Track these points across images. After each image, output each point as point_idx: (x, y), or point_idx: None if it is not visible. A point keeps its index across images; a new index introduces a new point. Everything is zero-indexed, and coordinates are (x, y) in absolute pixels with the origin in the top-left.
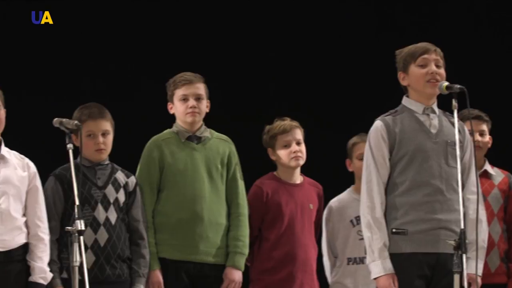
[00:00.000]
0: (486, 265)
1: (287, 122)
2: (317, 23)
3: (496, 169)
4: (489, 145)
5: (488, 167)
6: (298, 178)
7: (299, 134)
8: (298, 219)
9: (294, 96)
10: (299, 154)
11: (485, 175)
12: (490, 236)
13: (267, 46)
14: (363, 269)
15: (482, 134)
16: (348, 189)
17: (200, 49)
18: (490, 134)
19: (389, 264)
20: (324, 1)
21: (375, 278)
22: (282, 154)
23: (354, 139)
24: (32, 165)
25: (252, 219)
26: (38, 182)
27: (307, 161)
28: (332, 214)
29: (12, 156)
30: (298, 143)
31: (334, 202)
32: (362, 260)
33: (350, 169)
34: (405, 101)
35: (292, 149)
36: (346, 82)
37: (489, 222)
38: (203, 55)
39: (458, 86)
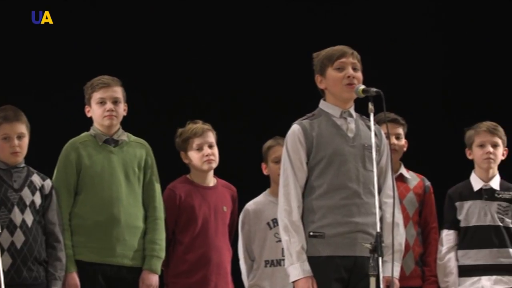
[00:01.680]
0: (401, 269)
1: (199, 125)
2: (232, 25)
3: (411, 172)
4: (405, 149)
5: (403, 170)
6: (211, 180)
7: (211, 137)
8: (212, 221)
9: (208, 98)
10: (211, 157)
11: (400, 178)
12: (405, 240)
13: (182, 48)
14: (280, 272)
15: (398, 137)
16: (264, 192)
17: (117, 52)
18: (406, 137)
19: (307, 267)
20: (244, 2)
21: (293, 281)
22: (195, 157)
23: (269, 142)
24: None
25: (166, 222)
26: None
27: (223, 164)
28: (248, 217)
29: None
30: (210, 146)
31: (250, 205)
32: (279, 263)
33: (265, 173)
34: (322, 104)
35: (204, 152)
36: (261, 84)
37: (404, 225)
38: (120, 58)
39: (375, 89)
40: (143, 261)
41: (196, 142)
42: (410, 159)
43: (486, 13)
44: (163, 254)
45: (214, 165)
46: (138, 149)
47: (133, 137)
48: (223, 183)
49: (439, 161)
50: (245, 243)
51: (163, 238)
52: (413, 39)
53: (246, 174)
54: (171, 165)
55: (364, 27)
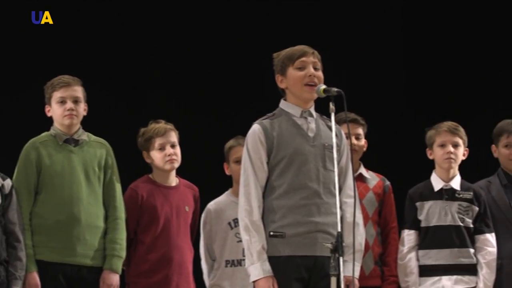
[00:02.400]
0: (360, 268)
1: (162, 124)
2: (193, 24)
3: (371, 172)
4: (365, 149)
5: (363, 170)
6: (173, 180)
7: (173, 136)
8: (174, 221)
9: (171, 98)
10: (173, 157)
11: (360, 178)
12: (365, 240)
13: (144, 47)
14: (241, 272)
15: (357, 137)
16: (226, 192)
17: (78, 51)
18: (366, 137)
19: (268, 267)
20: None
21: (254, 281)
22: (157, 157)
23: (230, 143)
24: None
25: (128, 222)
26: None
27: (185, 164)
28: (209, 216)
29: None
30: (173, 146)
31: (211, 204)
32: (240, 263)
33: (227, 173)
34: (282, 104)
35: (166, 152)
36: (223, 84)
37: (364, 225)
38: (81, 57)
39: (336, 89)
40: (103, 260)
41: (159, 141)
42: (370, 159)
43: (446, 13)
44: (123, 254)
45: (177, 164)
46: (99, 149)
47: (93, 137)
48: (185, 183)
49: (399, 161)
50: (206, 242)
51: (123, 238)
52: (374, 39)
53: (209, 174)
54: (132, 165)
55: (325, 27)
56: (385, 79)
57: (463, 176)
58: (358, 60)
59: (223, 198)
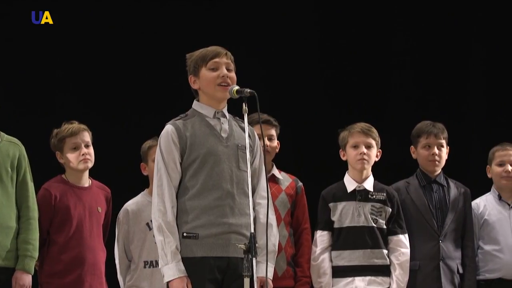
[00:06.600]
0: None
1: (75, 125)
2: (109, 26)
3: (283, 173)
4: (277, 150)
5: (275, 171)
6: (86, 181)
7: (87, 136)
8: (87, 222)
9: (84, 99)
10: (87, 156)
11: (272, 179)
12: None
13: (56, 46)
14: (159, 272)
15: (270, 138)
16: (142, 192)
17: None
18: (279, 138)
19: (182, 267)
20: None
21: (168, 281)
22: (71, 157)
23: (149, 143)
24: None
25: (41, 222)
26: None
27: (98, 164)
28: (127, 217)
29: None
30: (86, 146)
31: (129, 205)
32: (158, 263)
33: (145, 173)
34: (195, 105)
35: (80, 152)
36: (136, 84)
37: (276, 226)
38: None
39: (249, 90)
40: (16, 261)
41: (72, 141)
42: (283, 160)
43: (362, 14)
44: (36, 254)
45: (90, 164)
46: (11, 149)
47: (6, 136)
48: (97, 184)
49: (312, 162)
50: (123, 243)
51: (36, 238)
52: (289, 40)
53: (122, 175)
54: (45, 165)
55: (241, 28)
56: (299, 80)
57: (376, 177)
58: (272, 61)
59: (140, 199)
